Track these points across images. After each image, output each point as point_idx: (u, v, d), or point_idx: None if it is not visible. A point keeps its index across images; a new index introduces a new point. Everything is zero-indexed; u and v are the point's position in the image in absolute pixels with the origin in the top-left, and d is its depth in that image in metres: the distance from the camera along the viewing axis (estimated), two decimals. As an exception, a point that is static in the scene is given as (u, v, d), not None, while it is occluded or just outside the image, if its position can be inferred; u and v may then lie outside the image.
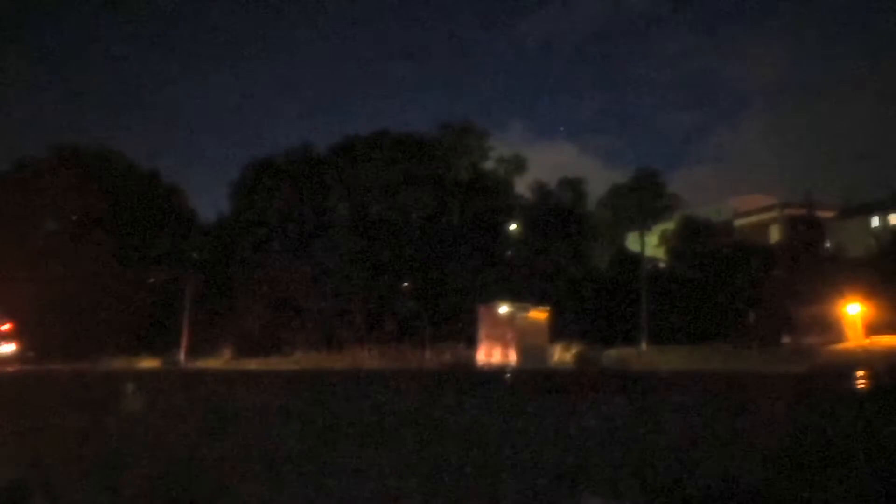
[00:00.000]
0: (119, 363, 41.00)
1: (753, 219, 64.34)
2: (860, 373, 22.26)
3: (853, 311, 37.40)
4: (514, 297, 39.79)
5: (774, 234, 60.98)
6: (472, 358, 37.99)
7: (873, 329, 36.73)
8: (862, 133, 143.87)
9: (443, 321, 42.95)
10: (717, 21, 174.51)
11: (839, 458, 6.86)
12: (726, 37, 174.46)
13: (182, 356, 44.42)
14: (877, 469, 6.21)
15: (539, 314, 37.96)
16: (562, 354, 38.62)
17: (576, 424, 10.48)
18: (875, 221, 56.47)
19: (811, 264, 44.54)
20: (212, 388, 21.36)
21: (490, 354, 37.35)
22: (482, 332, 38.17)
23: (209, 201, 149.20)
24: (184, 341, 44.80)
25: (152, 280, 48.57)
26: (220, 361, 43.92)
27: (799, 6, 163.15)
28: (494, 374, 29.88)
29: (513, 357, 36.10)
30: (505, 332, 37.09)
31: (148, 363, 41.88)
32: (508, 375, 28.25)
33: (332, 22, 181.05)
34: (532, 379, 25.15)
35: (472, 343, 39.05)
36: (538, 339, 37.09)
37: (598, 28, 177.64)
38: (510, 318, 37.28)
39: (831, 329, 37.43)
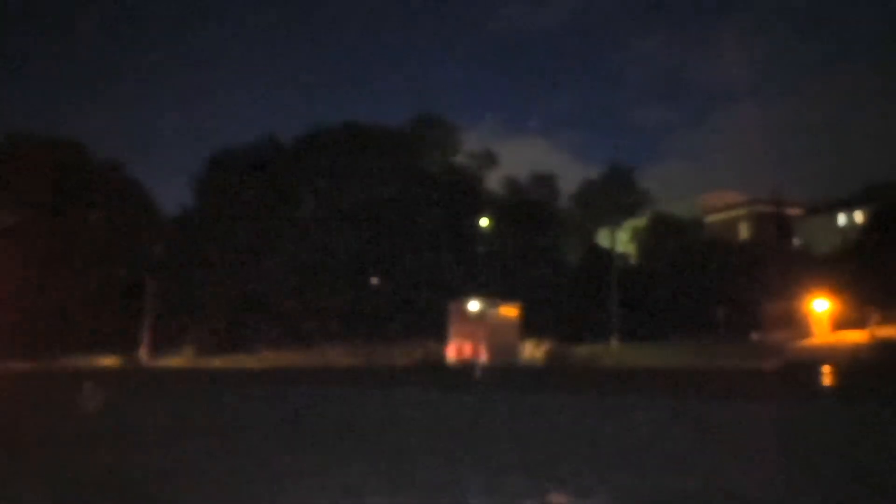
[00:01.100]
0: (78, 362, 39.84)
1: (723, 215, 64.94)
2: (826, 369, 22.35)
3: (820, 307, 37.84)
4: (484, 293, 39.47)
5: (743, 231, 61.64)
6: (442, 355, 37.58)
7: (839, 325, 37.22)
8: (829, 131, 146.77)
9: (413, 317, 42.46)
10: (688, 19, 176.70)
11: (809, 459, 6.65)
12: (697, 35, 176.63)
13: (143, 354, 43.33)
14: (846, 472, 5.99)
15: (510, 310, 37.67)
16: (533, 351, 38.39)
17: (544, 421, 10.21)
18: (841, 219, 57.35)
19: (779, 261, 44.98)
20: (172, 388, 20.64)
21: (461, 351, 36.96)
22: (453, 329, 37.74)
23: (172, 194, 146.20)
24: (145, 339, 43.70)
25: (113, 275, 47.26)
26: (182, 359, 42.91)
27: (770, 6, 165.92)
28: (464, 371, 29.50)
29: (483, 354, 35.76)
30: (475, 328, 36.73)
31: (108, 361, 40.74)
32: (479, 372, 27.87)
33: (301, 12, 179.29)
34: (502, 375, 24.85)
35: (442, 340, 38.61)
36: (509, 335, 36.81)
37: (570, 24, 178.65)
38: (481, 314, 36.94)
39: (799, 325, 37.84)
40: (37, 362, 38.33)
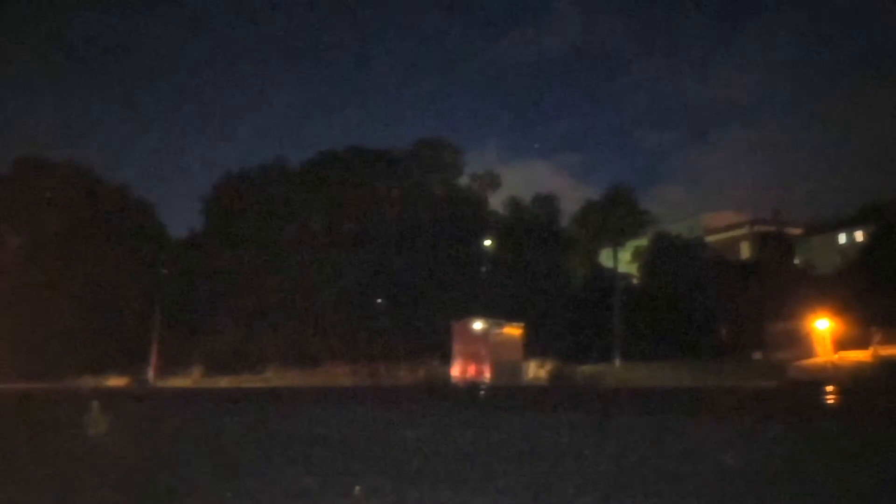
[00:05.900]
0: (85, 382, 40.08)
1: (724, 235, 65.15)
2: (828, 388, 22.49)
3: (822, 326, 37.87)
4: (488, 313, 39.71)
5: (745, 251, 61.86)
6: (446, 374, 37.78)
7: (841, 344, 37.23)
8: (829, 151, 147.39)
9: (417, 337, 42.70)
10: (689, 43, 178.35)
11: (811, 480, 6.81)
12: (697, 59, 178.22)
13: (151, 374, 43.60)
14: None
15: (513, 330, 37.87)
16: (536, 371, 38.54)
17: (548, 441, 10.40)
18: (842, 238, 57.61)
19: (781, 280, 45.11)
20: (180, 408, 20.86)
21: (464, 371, 37.14)
22: (456, 349, 37.93)
23: (181, 216, 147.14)
24: (153, 359, 43.99)
25: (121, 296, 47.63)
26: (189, 380, 43.19)
27: (768, 28, 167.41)
28: (468, 391, 29.66)
29: (487, 373, 35.94)
30: (479, 348, 36.91)
31: (116, 382, 41.00)
32: (482, 392, 28.08)
33: (308, 38, 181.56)
34: (506, 395, 24.99)
35: (446, 359, 38.82)
36: (512, 355, 36.99)
37: (572, 50, 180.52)
38: (484, 334, 37.15)
39: (801, 344, 37.81)
40: (46, 383, 38.63)
